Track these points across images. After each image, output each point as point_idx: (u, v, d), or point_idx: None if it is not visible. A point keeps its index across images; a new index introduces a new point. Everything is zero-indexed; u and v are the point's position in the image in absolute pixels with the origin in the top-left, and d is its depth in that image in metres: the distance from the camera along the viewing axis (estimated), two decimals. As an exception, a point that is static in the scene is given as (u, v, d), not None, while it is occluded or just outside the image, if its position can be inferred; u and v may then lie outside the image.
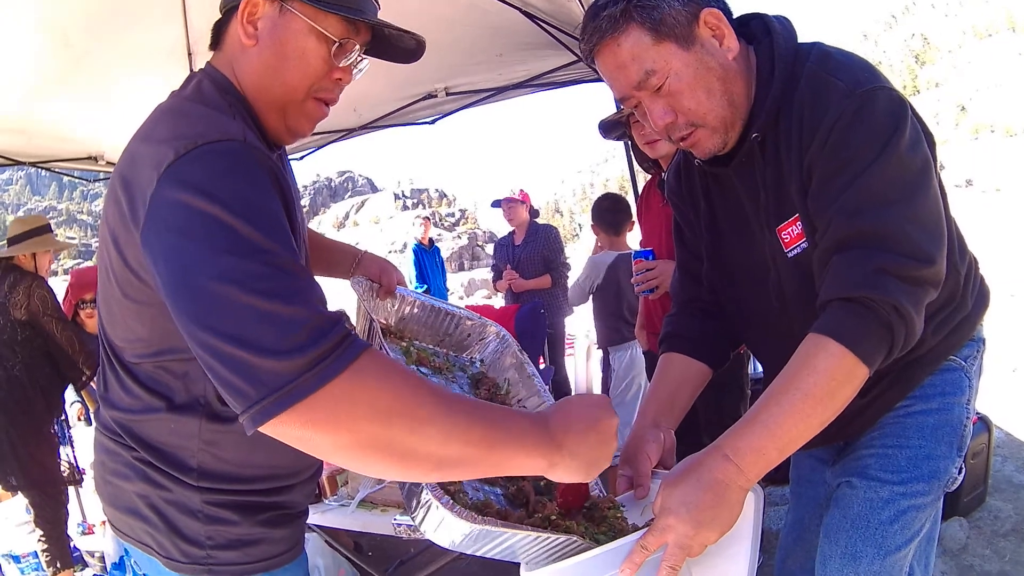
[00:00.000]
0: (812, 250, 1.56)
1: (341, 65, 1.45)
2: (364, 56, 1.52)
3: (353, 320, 1.90)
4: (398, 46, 1.57)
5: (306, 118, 1.49)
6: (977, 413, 1.77)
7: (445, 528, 1.25)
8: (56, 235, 4.96)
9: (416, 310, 2.07)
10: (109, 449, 1.43)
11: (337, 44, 1.42)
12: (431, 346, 2.05)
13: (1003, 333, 8.07)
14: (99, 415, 1.48)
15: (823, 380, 1.37)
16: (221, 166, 1.17)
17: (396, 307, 2.05)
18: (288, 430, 1.04)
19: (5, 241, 4.69)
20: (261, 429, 1.04)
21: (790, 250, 1.62)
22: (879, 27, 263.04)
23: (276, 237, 1.13)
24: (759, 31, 1.64)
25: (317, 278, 1.84)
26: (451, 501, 1.24)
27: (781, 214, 1.62)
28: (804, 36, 1.64)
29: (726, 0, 1.59)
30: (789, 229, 1.61)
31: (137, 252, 1.21)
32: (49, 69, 4.68)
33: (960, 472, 1.72)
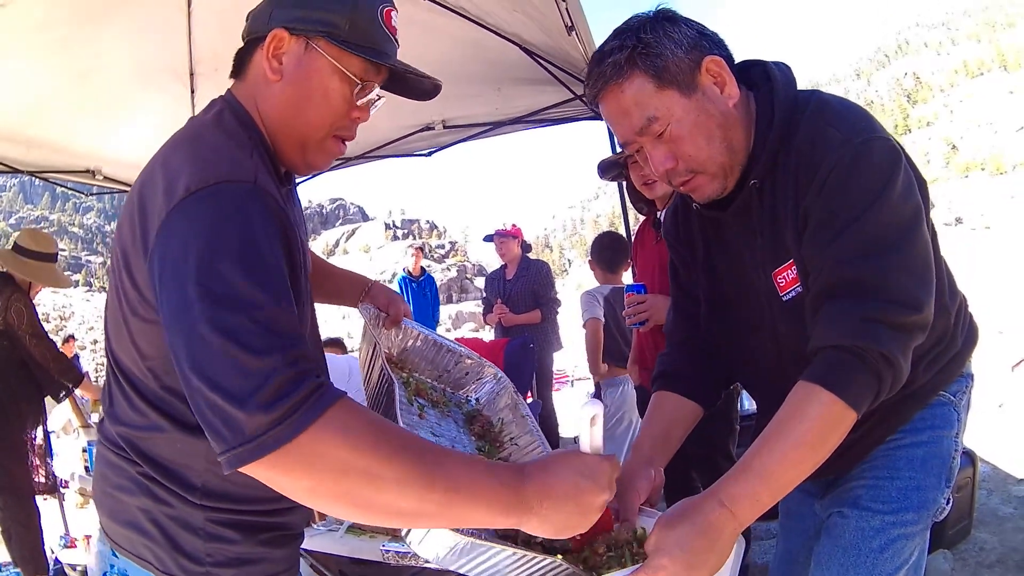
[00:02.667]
0: (807, 294, 1.59)
1: (360, 104, 1.49)
2: (381, 95, 1.56)
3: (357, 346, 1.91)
4: (416, 86, 1.60)
5: (324, 154, 1.52)
6: (963, 448, 1.81)
7: (430, 540, 1.27)
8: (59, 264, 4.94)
9: (419, 343, 2.09)
10: (112, 463, 1.44)
11: (360, 85, 1.45)
12: (430, 380, 2.07)
13: (990, 369, 8.14)
14: (103, 428, 1.49)
15: (814, 427, 1.42)
16: (227, 210, 1.21)
17: (400, 338, 2.08)
18: (259, 472, 1.12)
19: (12, 247, 4.68)
20: (238, 471, 1.12)
21: (785, 294, 1.66)
22: (872, 66, 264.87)
23: (269, 289, 1.18)
24: (759, 78, 1.67)
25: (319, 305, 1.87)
26: None
27: (777, 259, 1.65)
28: (799, 74, 1.67)
29: (727, 46, 1.62)
30: (784, 274, 1.65)
31: (145, 275, 1.26)
32: (53, 83, 4.74)
33: (948, 502, 1.75)
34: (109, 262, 1.47)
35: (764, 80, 1.66)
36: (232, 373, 1.10)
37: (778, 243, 1.64)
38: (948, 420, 1.77)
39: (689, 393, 1.89)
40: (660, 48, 1.52)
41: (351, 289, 2.12)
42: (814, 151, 1.53)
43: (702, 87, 1.56)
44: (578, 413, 1.39)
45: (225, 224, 1.20)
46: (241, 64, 1.52)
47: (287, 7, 1.44)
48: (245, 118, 1.45)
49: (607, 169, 3.66)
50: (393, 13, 1.51)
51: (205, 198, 1.21)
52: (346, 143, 1.56)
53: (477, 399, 2.08)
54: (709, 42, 1.58)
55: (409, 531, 1.29)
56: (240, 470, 1.11)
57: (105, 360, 1.50)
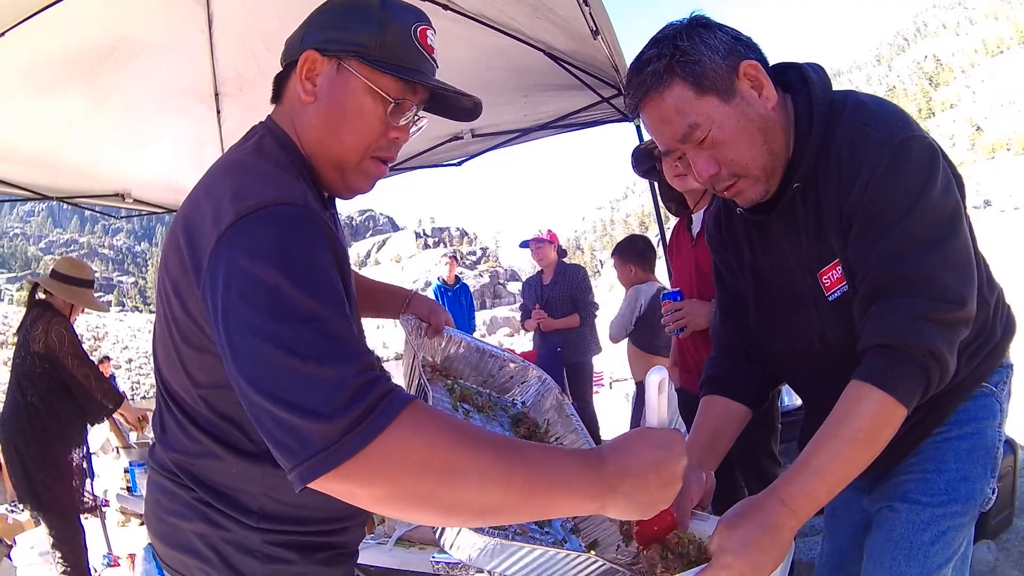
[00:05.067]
0: (852, 294, 1.62)
1: (398, 125, 1.46)
2: (421, 116, 1.53)
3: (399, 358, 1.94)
4: (456, 105, 1.58)
5: (364, 176, 1.51)
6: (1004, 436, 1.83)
7: (461, 542, 1.30)
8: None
9: (462, 350, 2.11)
10: (166, 489, 1.43)
11: (393, 104, 1.43)
12: (474, 386, 2.10)
13: (1024, 353, 8.01)
14: (155, 455, 1.48)
15: (867, 425, 1.46)
16: (280, 231, 1.20)
17: (443, 346, 2.09)
18: (332, 485, 1.08)
19: (49, 274, 4.75)
20: (310, 486, 1.08)
21: (831, 294, 1.68)
22: (892, 50, 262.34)
23: (330, 304, 1.17)
24: (796, 81, 1.69)
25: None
26: None
27: (822, 259, 1.68)
28: (820, 63, 1.70)
29: (762, 50, 1.64)
30: (830, 273, 1.67)
31: (197, 302, 1.25)
32: (78, 109, 4.80)
33: (994, 492, 1.77)
34: (155, 287, 1.46)
35: (801, 83, 1.68)
36: (299, 385, 1.08)
37: (823, 243, 1.66)
38: (991, 411, 1.79)
39: (737, 396, 1.91)
40: (697, 55, 1.54)
41: (392, 302, 2.13)
42: (854, 152, 1.56)
43: (740, 92, 1.58)
44: (647, 379, 1.37)
45: (279, 244, 1.18)
46: (279, 89, 1.52)
47: (318, 29, 1.44)
48: (287, 143, 1.44)
49: (641, 159, 3.64)
50: (429, 32, 1.49)
51: (256, 220, 1.19)
52: (387, 164, 1.54)
53: (523, 402, 2.11)
54: (744, 47, 1.60)
55: (441, 535, 1.30)
56: (313, 485, 1.08)
57: (155, 387, 1.50)
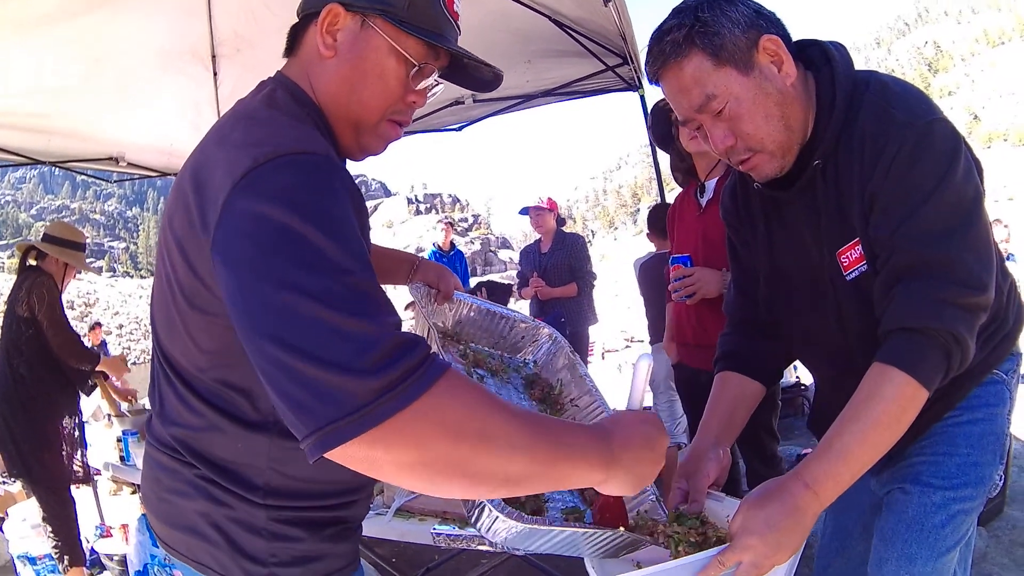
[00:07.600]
0: (872, 273, 1.63)
1: (417, 88, 1.42)
2: (440, 81, 1.49)
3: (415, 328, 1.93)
4: (475, 75, 1.54)
5: (379, 138, 1.45)
6: (1009, 425, 1.87)
7: (497, 527, 1.32)
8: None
9: (472, 314, 2.13)
10: (166, 466, 1.37)
11: (417, 68, 1.38)
12: (487, 348, 2.12)
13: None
14: (152, 430, 1.42)
15: (890, 408, 1.48)
16: (303, 179, 1.12)
17: (453, 311, 2.11)
18: (357, 451, 1.01)
19: (42, 238, 4.70)
20: (328, 454, 1.01)
21: (849, 273, 1.69)
22: (892, 34, 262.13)
23: (358, 257, 1.10)
24: (818, 58, 1.71)
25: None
26: (501, 503, 1.29)
27: (842, 238, 1.69)
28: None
29: (784, 26, 1.64)
30: (848, 253, 1.68)
31: (206, 260, 1.16)
32: (72, 71, 4.74)
33: (1000, 479, 1.81)
34: (148, 251, 1.40)
35: (823, 60, 1.70)
36: (332, 339, 1.00)
37: (843, 222, 1.68)
38: (1001, 397, 1.83)
39: (752, 373, 1.95)
40: (717, 27, 1.56)
41: (399, 268, 2.10)
42: (878, 133, 1.58)
43: (759, 65, 1.59)
44: (637, 364, 1.50)
45: (303, 192, 1.10)
46: (294, 41, 1.45)
47: None
48: (301, 96, 1.38)
49: (658, 119, 3.59)
50: None
51: (276, 167, 1.12)
52: (403, 127, 1.49)
53: (535, 360, 2.15)
54: (766, 21, 1.61)
55: (477, 519, 1.33)
56: (333, 452, 1.00)
57: (152, 358, 1.43)
